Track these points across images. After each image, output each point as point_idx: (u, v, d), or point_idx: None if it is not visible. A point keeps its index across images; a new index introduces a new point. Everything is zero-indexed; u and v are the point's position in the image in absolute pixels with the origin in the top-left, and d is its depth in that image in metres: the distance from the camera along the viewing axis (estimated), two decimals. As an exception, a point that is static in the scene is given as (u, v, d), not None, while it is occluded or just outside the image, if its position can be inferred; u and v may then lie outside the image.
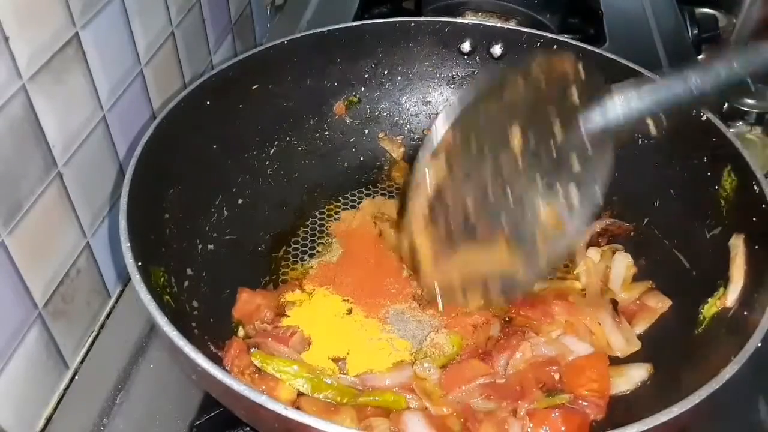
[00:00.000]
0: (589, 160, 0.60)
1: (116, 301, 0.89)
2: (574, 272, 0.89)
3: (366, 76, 1.03)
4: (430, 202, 0.61)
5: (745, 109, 1.18)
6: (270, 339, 0.76)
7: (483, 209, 0.60)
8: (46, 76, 0.69)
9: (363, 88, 1.04)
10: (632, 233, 0.92)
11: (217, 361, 0.73)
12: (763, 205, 0.72)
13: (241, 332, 0.80)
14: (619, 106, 0.60)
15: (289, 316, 0.81)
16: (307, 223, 0.97)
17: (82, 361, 0.82)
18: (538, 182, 0.60)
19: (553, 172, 0.60)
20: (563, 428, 0.68)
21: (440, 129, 0.60)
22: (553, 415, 0.69)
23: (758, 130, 1.18)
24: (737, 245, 0.74)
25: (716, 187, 0.79)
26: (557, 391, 0.74)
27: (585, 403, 0.72)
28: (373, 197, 1.01)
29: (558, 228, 0.60)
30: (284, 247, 0.93)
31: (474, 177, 0.60)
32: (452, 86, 1.06)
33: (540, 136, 0.60)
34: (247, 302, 0.82)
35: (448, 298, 0.65)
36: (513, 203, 0.60)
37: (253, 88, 0.93)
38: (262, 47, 0.94)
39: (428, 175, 0.60)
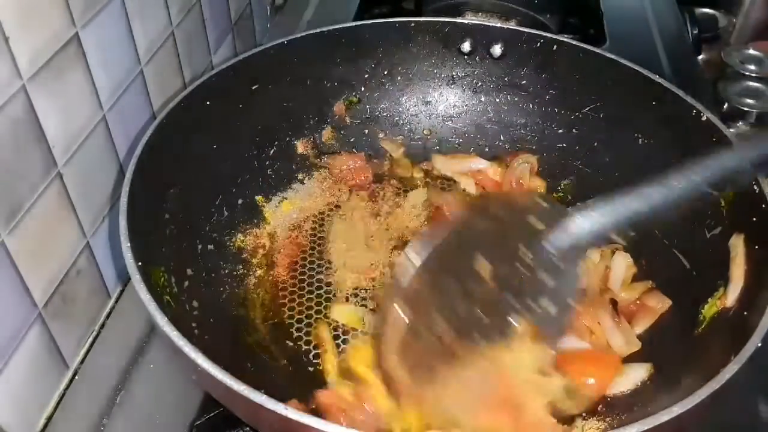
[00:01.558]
0: (560, 274, 0.63)
1: (116, 301, 0.89)
2: (574, 272, 0.89)
3: (366, 76, 1.03)
4: (403, 339, 0.62)
5: (745, 109, 1.18)
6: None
7: (457, 334, 0.61)
8: (47, 76, 0.69)
9: (363, 88, 1.04)
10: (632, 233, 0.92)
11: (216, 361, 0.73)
12: (763, 205, 0.72)
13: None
14: (582, 226, 0.62)
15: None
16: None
17: (82, 361, 0.82)
18: (511, 301, 0.62)
19: (525, 290, 0.62)
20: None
21: (407, 272, 0.62)
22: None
23: (758, 130, 1.18)
24: (737, 245, 0.74)
25: (716, 187, 0.79)
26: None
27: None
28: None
29: (535, 341, 0.62)
30: (284, 247, 0.93)
31: (445, 307, 0.61)
32: (452, 86, 1.06)
33: (507, 262, 0.62)
34: None
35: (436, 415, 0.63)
36: (488, 323, 0.61)
37: (253, 88, 0.93)
38: (262, 47, 0.94)
39: (399, 315, 0.61)
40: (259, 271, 0.89)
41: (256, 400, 0.54)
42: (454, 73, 1.05)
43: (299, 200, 0.98)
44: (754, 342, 0.60)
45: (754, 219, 0.73)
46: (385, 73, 1.04)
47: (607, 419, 0.73)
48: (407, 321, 0.62)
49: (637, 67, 0.90)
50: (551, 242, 0.62)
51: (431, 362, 0.61)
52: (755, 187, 0.74)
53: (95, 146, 0.80)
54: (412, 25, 1.01)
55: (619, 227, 0.62)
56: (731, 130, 0.82)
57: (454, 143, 1.07)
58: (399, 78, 1.05)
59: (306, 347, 0.81)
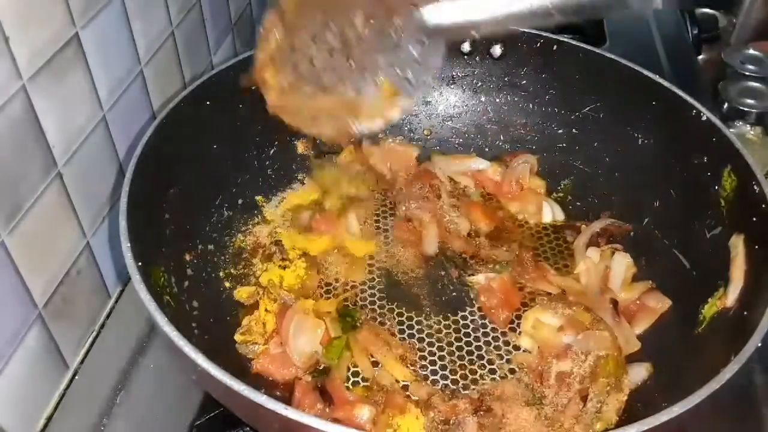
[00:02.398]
0: (425, 48, 0.69)
1: (116, 301, 0.89)
2: (575, 272, 0.89)
3: (366, 76, 1.03)
4: (276, 48, 0.71)
5: (745, 109, 1.18)
6: None
7: (327, 64, 0.70)
8: (46, 76, 0.69)
9: (363, 88, 1.04)
10: (632, 233, 0.92)
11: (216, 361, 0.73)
12: (763, 205, 0.72)
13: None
14: (448, 12, 0.68)
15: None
16: (307, 223, 0.97)
17: (82, 361, 0.82)
18: (378, 58, 0.69)
19: (392, 53, 0.69)
20: None
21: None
22: None
23: (758, 130, 1.18)
24: (737, 245, 0.74)
25: (716, 187, 0.79)
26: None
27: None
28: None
29: (393, 95, 0.71)
30: (284, 247, 0.93)
31: (319, 38, 0.70)
32: (452, 86, 1.06)
33: (382, 23, 0.68)
34: None
35: (298, 121, 0.75)
36: (355, 66, 0.70)
37: (253, 88, 0.92)
38: (262, 47, 0.94)
39: (276, 26, 0.70)
40: (258, 271, 0.89)
41: (256, 400, 0.54)
42: (454, 73, 1.05)
43: (299, 200, 0.98)
44: (755, 342, 0.60)
45: (754, 219, 0.73)
46: (385, 73, 1.04)
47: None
48: (282, 36, 0.70)
49: (637, 67, 0.90)
50: (422, 16, 0.67)
51: (300, 77, 0.71)
52: (755, 187, 0.74)
53: (95, 146, 0.80)
54: (412, 25, 1.01)
55: (478, 23, 0.66)
56: (731, 130, 0.82)
57: (454, 143, 1.07)
58: (399, 78, 1.05)
59: (306, 347, 0.81)
